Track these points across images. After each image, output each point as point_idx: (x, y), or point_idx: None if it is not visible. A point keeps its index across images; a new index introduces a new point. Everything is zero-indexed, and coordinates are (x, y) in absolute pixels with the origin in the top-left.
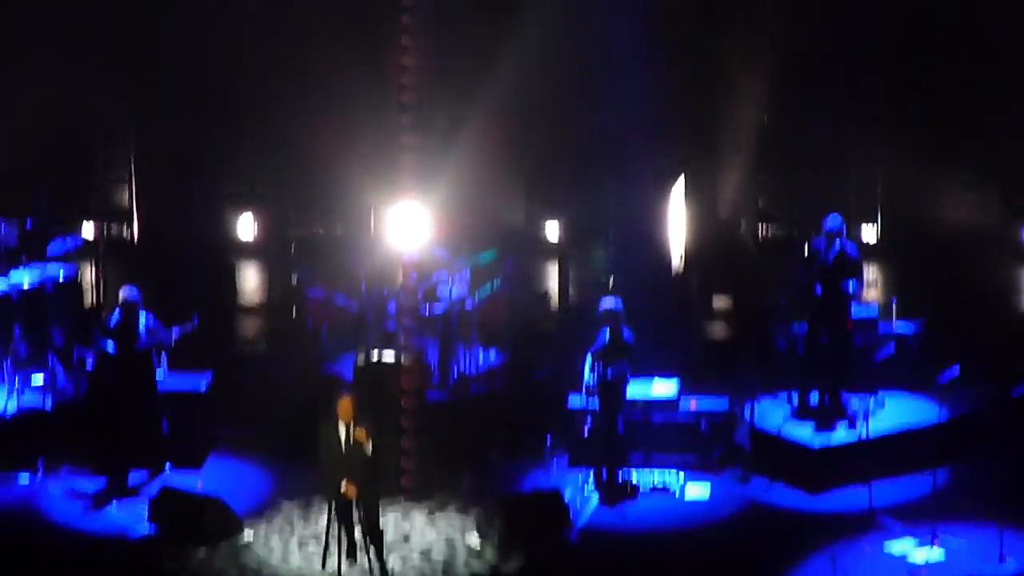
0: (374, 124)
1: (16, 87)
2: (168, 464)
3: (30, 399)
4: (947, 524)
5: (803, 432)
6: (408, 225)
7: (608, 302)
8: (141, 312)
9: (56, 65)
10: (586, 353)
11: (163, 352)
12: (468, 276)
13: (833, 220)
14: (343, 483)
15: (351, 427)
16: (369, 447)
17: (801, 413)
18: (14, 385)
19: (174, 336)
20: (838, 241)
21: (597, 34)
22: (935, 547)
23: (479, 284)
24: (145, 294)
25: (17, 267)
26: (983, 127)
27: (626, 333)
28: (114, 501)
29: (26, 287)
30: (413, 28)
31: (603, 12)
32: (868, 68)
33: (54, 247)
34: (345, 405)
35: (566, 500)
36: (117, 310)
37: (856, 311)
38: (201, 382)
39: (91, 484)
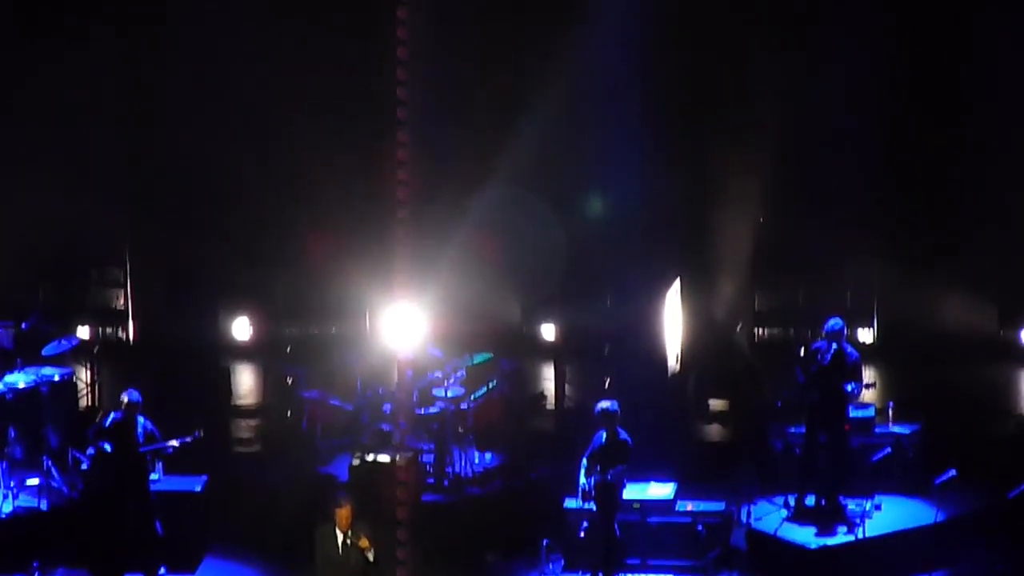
0: (368, 226)
1: (11, 191)
2: (163, 567)
3: (25, 501)
4: None
5: (800, 534)
6: (403, 325)
7: (604, 403)
8: (140, 415)
9: (52, 171)
10: (582, 455)
11: (158, 448)
12: (464, 377)
13: (834, 323)
14: None
15: (348, 532)
16: (371, 554)
17: (798, 515)
18: (9, 487)
19: (175, 445)
20: (836, 343)
21: (593, 138)
22: None
23: (475, 385)
24: (140, 388)
25: (12, 370)
26: (978, 232)
27: (622, 434)
28: None
29: (21, 388)
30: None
31: (598, 117)
32: (864, 172)
33: (49, 349)
34: (342, 515)
35: None
36: (116, 412)
37: (853, 413)
38: (196, 484)
39: None
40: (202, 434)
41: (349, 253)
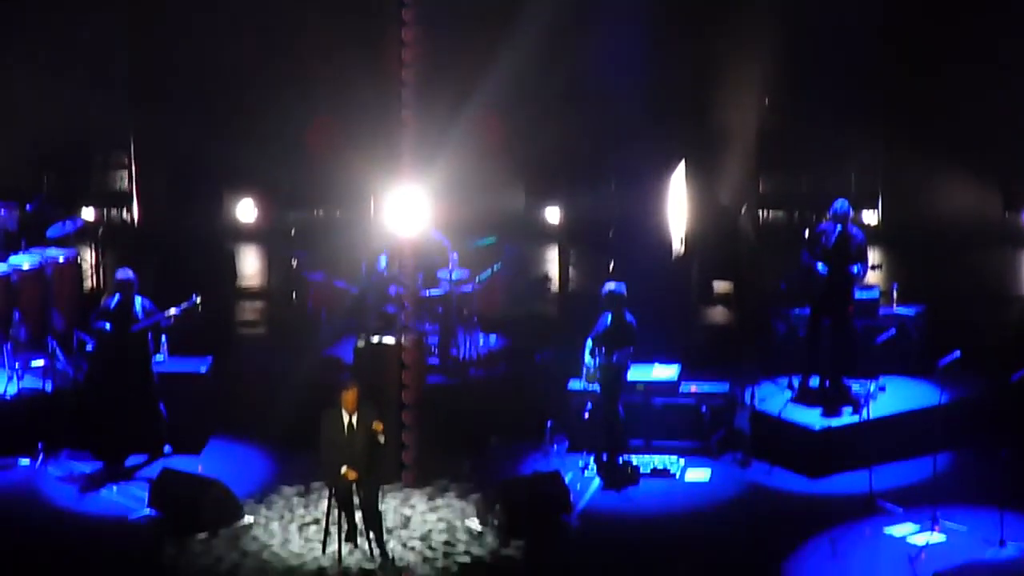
0: (374, 107)
1: (16, 75)
2: (168, 447)
3: (30, 382)
4: (947, 508)
5: (804, 415)
6: (408, 208)
7: (611, 285)
8: (136, 295)
9: (56, 54)
10: (587, 337)
11: (163, 335)
12: (468, 260)
13: (840, 204)
14: (343, 468)
15: (353, 413)
16: (381, 437)
17: (802, 397)
18: (14, 368)
19: (174, 313)
20: (841, 225)
21: (597, 20)
22: (935, 531)
23: (479, 268)
24: (145, 278)
25: (16, 251)
26: (983, 115)
27: (628, 317)
28: (113, 484)
29: (26, 269)
30: (413, 17)
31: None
32: (870, 52)
33: (53, 231)
34: (348, 397)
35: (566, 483)
36: (115, 293)
37: (858, 295)
38: (201, 366)
39: (90, 467)
40: (199, 299)
41: (353, 136)
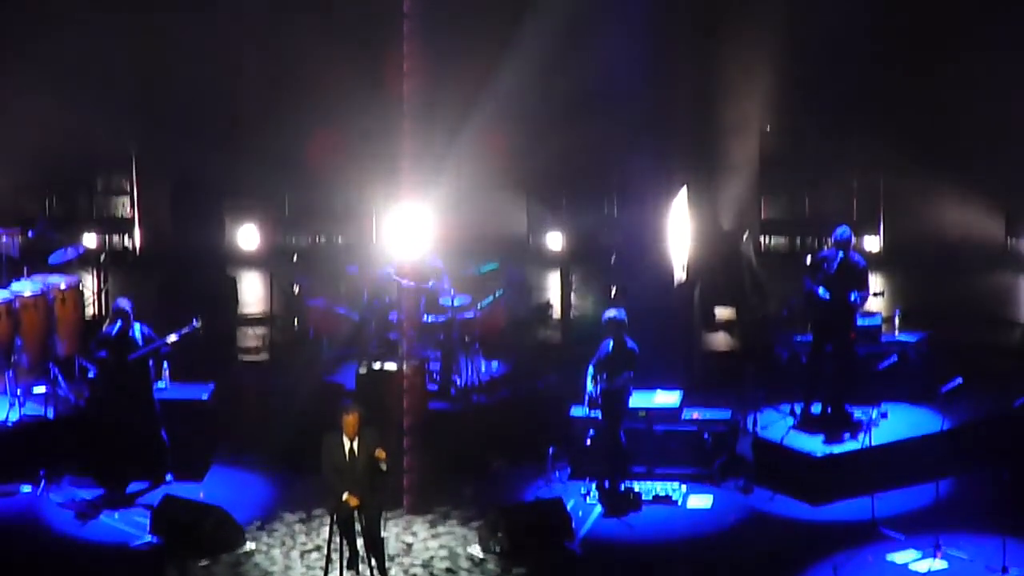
0: (375, 128)
1: (17, 101)
2: (170, 475)
3: (32, 409)
4: (949, 534)
5: (806, 442)
6: (410, 234)
7: (611, 312)
8: (135, 322)
9: (59, 79)
10: (589, 363)
11: (165, 362)
12: (470, 286)
13: (842, 231)
14: (345, 494)
15: (354, 439)
16: (384, 464)
17: (804, 423)
18: (16, 395)
19: (174, 340)
20: (843, 251)
21: (599, 45)
22: (937, 558)
23: (481, 293)
24: (146, 303)
25: (18, 278)
26: (986, 140)
27: (629, 343)
28: (115, 511)
29: (27, 296)
30: (413, 35)
31: (605, 23)
32: (871, 77)
33: (55, 257)
34: (350, 419)
35: (568, 510)
36: (114, 321)
37: (860, 321)
38: (203, 393)
39: (92, 494)
40: (199, 323)
41: (355, 161)
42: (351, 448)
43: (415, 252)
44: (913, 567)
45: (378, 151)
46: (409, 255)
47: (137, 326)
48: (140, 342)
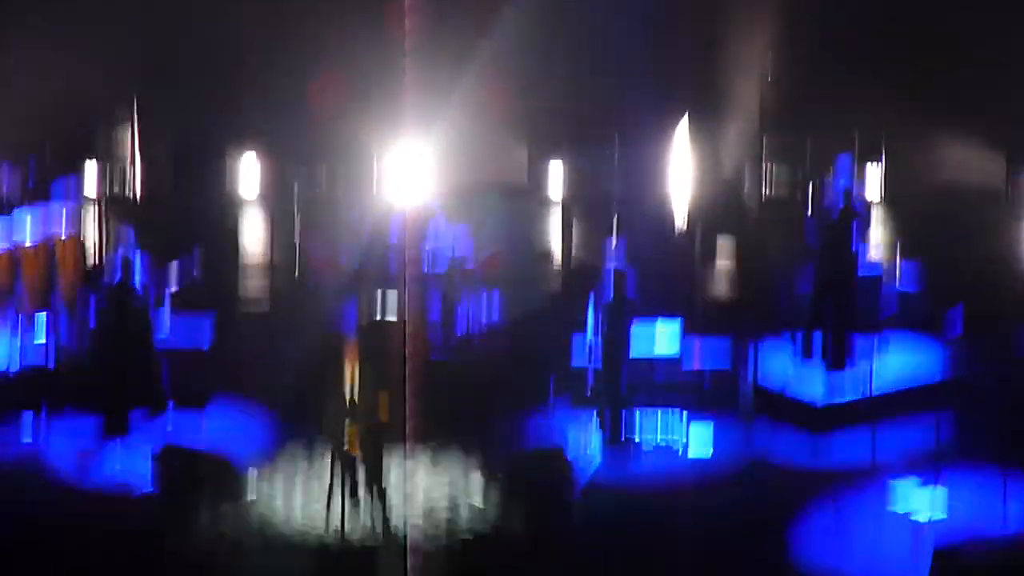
0: (376, 68)
1: (17, 49)
2: (170, 404)
3: (33, 352)
4: (951, 469)
5: (808, 387)
6: (410, 179)
7: (612, 253)
8: (135, 260)
9: (60, 17)
10: (588, 309)
11: (165, 305)
12: (470, 231)
13: (843, 162)
14: (346, 439)
15: (355, 388)
16: (385, 411)
17: (806, 354)
18: (17, 338)
19: (174, 289)
20: (846, 187)
21: None
22: (938, 487)
23: (481, 239)
24: (147, 248)
25: (21, 207)
26: (988, 81)
27: (630, 291)
28: (117, 456)
29: (27, 244)
30: None
31: None
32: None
33: (56, 189)
34: (349, 361)
35: (569, 457)
36: (115, 259)
37: (862, 270)
38: (204, 340)
39: (93, 439)
40: (200, 271)
41: (357, 104)
42: (350, 398)
43: (416, 200)
44: (915, 515)
45: (380, 94)
46: (413, 202)
47: (138, 273)
48: (140, 290)
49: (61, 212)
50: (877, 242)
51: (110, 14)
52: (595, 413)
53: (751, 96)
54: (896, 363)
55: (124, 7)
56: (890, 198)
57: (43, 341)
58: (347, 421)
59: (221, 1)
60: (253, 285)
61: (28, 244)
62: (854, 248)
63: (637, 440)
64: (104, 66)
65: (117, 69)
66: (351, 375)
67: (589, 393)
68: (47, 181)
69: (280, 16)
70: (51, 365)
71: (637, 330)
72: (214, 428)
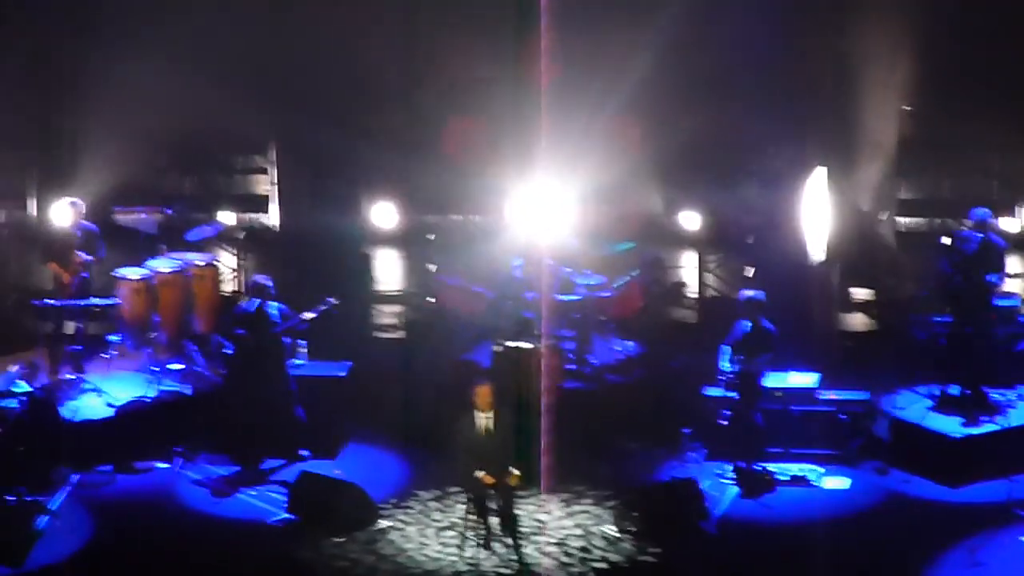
0: (512, 109)
1: (159, 80)
2: (306, 451)
3: (169, 386)
4: None
5: (943, 424)
6: (546, 214)
7: (749, 292)
8: (272, 300)
9: (199, 60)
10: (724, 344)
11: (302, 340)
12: (606, 265)
13: (981, 212)
14: (480, 472)
15: (488, 414)
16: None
17: (942, 405)
18: (153, 372)
19: (310, 316)
20: (982, 232)
21: (736, 26)
22: None
23: (616, 273)
24: (283, 281)
25: (156, 255)
26: None
27: (767, 324)
28: (251, 488)
29: (165, 273)
30: (550, 19)
31: (740, 6)
32: (1009, 61)
33: (193, 235)
34: (483, 394)
35: (703, 490)
36: (251, 298)
37: (998, 302)
38: (340, 370)
39: (228, 471)
40: (334, 302)
41: (491, 138)
42: (485, 425)
43: (550, 234)
44: None
45: (514, 133)
46: (545, 237)
47: (274, 303)
48: (277, 319)
49: (199, 242)
50: (1015, 272)
51: (249, 58)
52: (730, 443)
53: (889, 137)
54: None
55: (262, 52)
56: None
57: (180, 367)
58: (481, 452)
59: (358, 47)
60: (388, 315)
61: (166, 272)
62: (992, 280)
63: (772, 471)
64: (243, 104)
65: (256, 107)
66: (482, 396)
67: (724, 423)
68: (186, 215)
69: (416, 61)
70: (188, 392)
71: (773, 377)
72: (349, 456)
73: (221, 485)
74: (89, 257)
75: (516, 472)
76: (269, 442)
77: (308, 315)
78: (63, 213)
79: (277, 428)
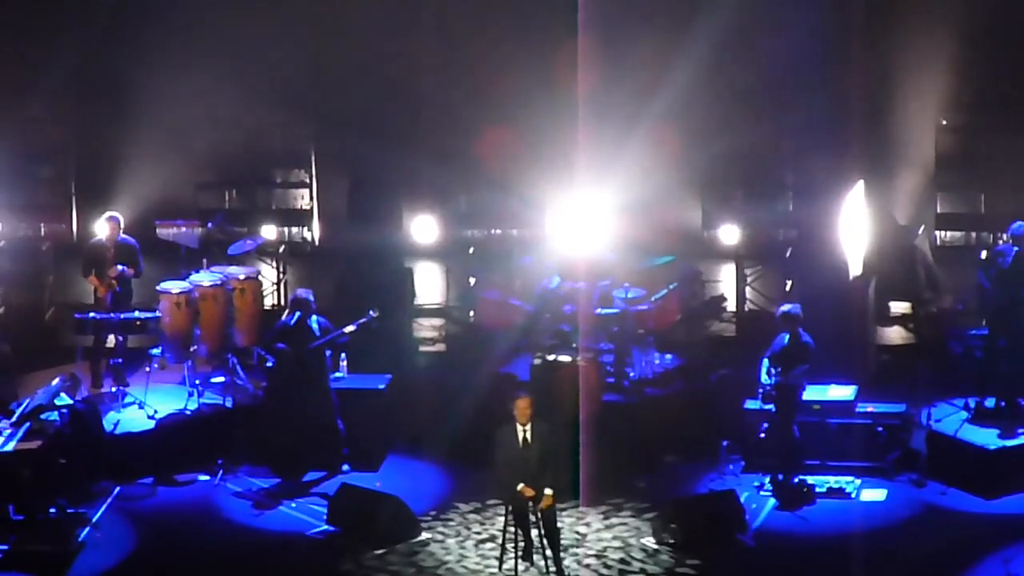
0: (549, 123)
1: (199, 95)
2: (346, 465)
3: (210, 399)
4: None
5: (980, 436)
6: (585, 227)
7: (787, 306)
8: (315, 315)
9: (238, 75)
10: (763, 356)
11: (343, 353)
12: (645, 279)
13: (1018, 226)
14: (520, 484)
15: (527, 426)
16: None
17: (978, 418)
18: (195, 384)
19: (351, 330)
20: (1019, 247)
21: (776, 39)
22: None
23: (655, 286)
24: (324, 295)
25: (198, 269)
26: None
27: (804, 337)
28: (292, 500)
29: (206, 286)
30: (587, 33)
31: (779, 18)
32: None
33: (234, 248)
34: (521, 406)
35: (741, 502)
36: (292, 312)
37: None
38: (381, 383)
39: (269, 483)
40: (376, 314)
41: (530, 157)
42: (524, 437)
43: (589, 247)
44: None
45: (553, 147)
46: (583, 251)
47: (315, 317)
48: (318, 332)
49: (240, 255)
50: None
51: (290, 71)
52: (768, 455)
53: (926, 149)
54: None
55: (303, 66)
56: None
57: (221, 380)
58: (519, 460)
59: (396, 59)
60: (428, 327)
61: (207, 285)
62: None
63: (810, 484)
64: (283, 118)
65: (296, 121)
66: (524, 418)
67: (762, 436)
68: (228, 227)
69: (452, 71)
70: (229, 404)
71: (811, 390)
72: (389, 468)
73: (262, 497)
74: (128, 270)
75: (549, 493)
76: (311, 455)
77: (350, 328)
78: (102, 227)
79: (319, 441)
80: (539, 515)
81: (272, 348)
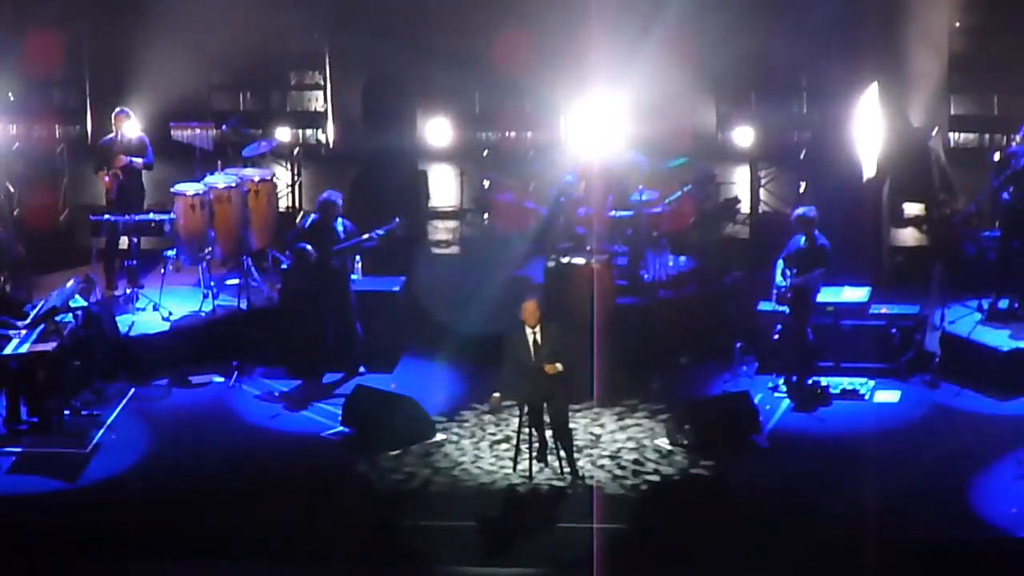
0: (564, 23)
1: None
2: (362, 367)
3: (225, 300)
4: None
5: (993, 337)
6: (599, 129)
7: (802, 209)
8: (340, 216)
9: None
10: (777, 258)
11: (357, 255)
12: (659, 181)
13: None
14: (534, 382)
15: (536, 328)
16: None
17: (992, 319)
18: (209, 286)
19: (378, 235)
20: None
21: None
22: None
23: (669, 189)
24: (338, 190)
25: (212, 171)
26: None
27: (820, 239)
28: (307, 402)
29: (221, 188)
30: None
31: None
32: None
33: (249, 150)
34: (529, 308)
35: (755, 403)
36: (315, 213)
37: None
38: (395, 285)
39: (285, 385)
40: (400, 221)
41: (545, 59)
42: (535, 339)
43: (604, 149)
44: None
45: (567, 48)
46: (598, 152)
47: (340, 219)
48: (343, 236)
49: (255, 157)
50: None
51: None
52: (782, 357)
53: (939, 51)
54: None
55: None
56: None
57: (235, 282)
58: (529, 362)
59: None
60: (443, 230)
61: (222, 187)
62: None
63: (824, 385)
64: (297, 20)
65: (310, 23)
66: (529, 310)
67: (776, 337)
68: (242, 129)
69: None
70: (244, 307)
71: (825, 291)
72: (404, 369)
73: (277, 399)
74: (135, 161)
75: (558, 365)
76: (328, 356)
77: (377, 232)
78: (112, 122)
79: (337, 343)
80: (551, 415)
81: (295, 248)
